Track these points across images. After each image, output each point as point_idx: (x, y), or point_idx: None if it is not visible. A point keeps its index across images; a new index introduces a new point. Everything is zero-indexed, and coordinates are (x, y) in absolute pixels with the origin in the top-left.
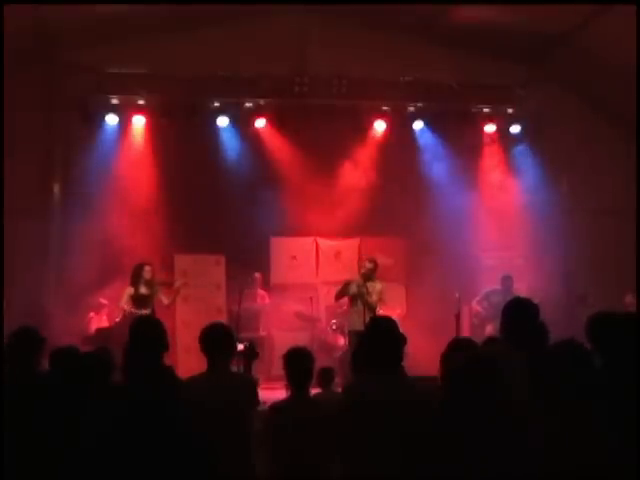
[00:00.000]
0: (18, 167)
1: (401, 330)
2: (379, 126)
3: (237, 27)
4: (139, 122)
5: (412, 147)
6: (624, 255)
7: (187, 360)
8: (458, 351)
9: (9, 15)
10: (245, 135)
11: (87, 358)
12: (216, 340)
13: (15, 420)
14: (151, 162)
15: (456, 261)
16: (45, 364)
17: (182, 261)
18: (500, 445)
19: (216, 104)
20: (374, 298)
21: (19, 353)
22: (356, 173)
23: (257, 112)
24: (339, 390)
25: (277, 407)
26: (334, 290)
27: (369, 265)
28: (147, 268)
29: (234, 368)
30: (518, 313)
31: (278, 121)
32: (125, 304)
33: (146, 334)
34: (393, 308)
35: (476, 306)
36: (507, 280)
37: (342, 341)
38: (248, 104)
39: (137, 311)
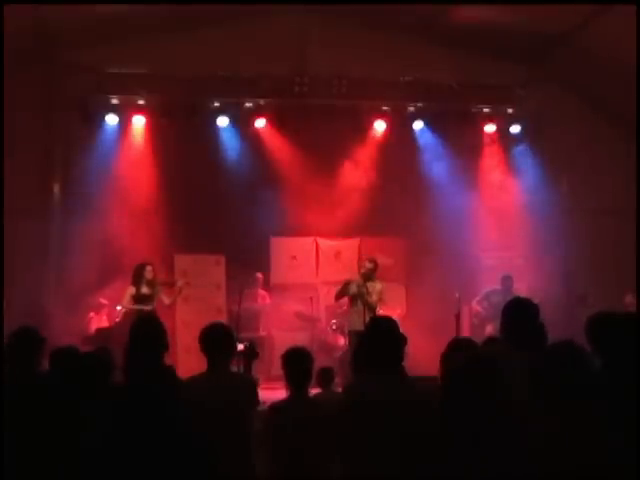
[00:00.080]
0: (18, 167)
1: (401, 330)
2: (379, 126)
3: (237, 27)
4: (139, 122)
5: (412, 147)
6: (624, 255)
7: (187, 360)
8: (458, 351)
9: (9, 15)
10: (245, 135)
11: (87, 358)
12: (216, 340)
13: (15, 420)
14: (151, 162)
15: (456, 261)
16: (45, 364)
17: (182, 261)
18: (500, 445)
19: (216, 104)
20: (374, 298)
21: (19, 353)
22: (356, 173)
23: (257, 112)
24: (339, 390)
25: (276, 407)
26: (334, 290)
27: (369, 265)
28: (149, 268)
29: (234, 368)
30: (518, 313)
31: (278, 121)
32: (127, 303)
33: (146, 334)
34: (393, 308)
35: (476, 306)
36: (507, 280)
37: (342, 341)
38: (248, 104)
39: (139, 307)
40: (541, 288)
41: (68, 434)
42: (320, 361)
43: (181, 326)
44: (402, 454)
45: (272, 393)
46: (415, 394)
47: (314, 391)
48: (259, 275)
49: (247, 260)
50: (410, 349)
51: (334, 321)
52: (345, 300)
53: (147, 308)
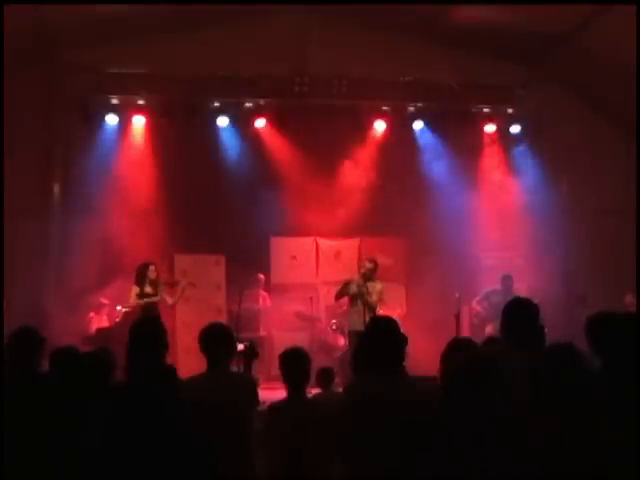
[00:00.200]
0: (18, 167)
1: (401, 330)
2: (379, 126)
3: (237, 27)
4: (139, 122)
5: (412, 147)
6: (624, 255)
7: (187, 360)
8: (458, 351)
9: (9, 15)
10: (245, 135)
11: (87, 358)
12: (216, 340)
13: (15, 420)
14: (151, 162)
15: (456, 261)
16: (45, 364)
17: (182, 261)
18: (500, 445)
19: (216, 104)
20: (374, 298)
21: (19, 353)
22: (356, 173)
23: (257, 112)
24: (339, 390)
25: (275, 407)
26: (334, 290)
27: (369, 265)
28: (152, 268)
29: (234, 368)
30: (518, 313)
31: (278, 121)
32: (133, 301)
33: (146, 334)
34: (393, 308)
35: (476, 306)
36: (507, 280)
37: (342, 341)
38: (248, 104)
39: (147, 300)
40: (541, 288)
41: (68, 434)
42: (320, 361)
43: (181, 326)
44: (402, 454)
45: (272, 393)
46: (415, 394)
47: (314, 391)
48: (261, 276)
49: (247, 260)
50: (410, 349)
51: (334, 321)
52: (345, 300)
53: (155, 299)
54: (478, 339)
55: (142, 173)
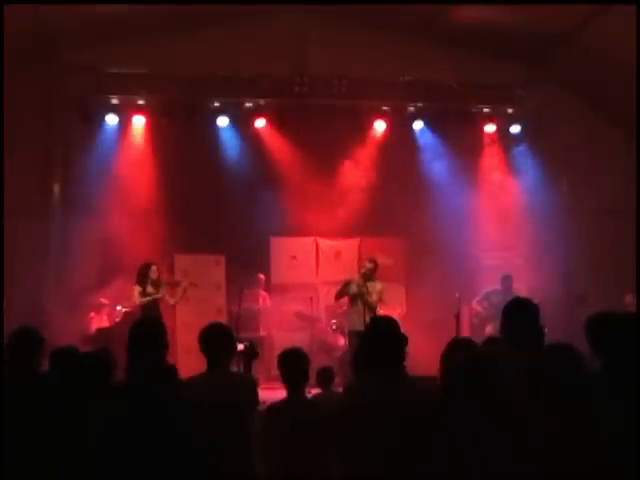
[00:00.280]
0: (18, 167)
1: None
2: (379, 126)
3: (237, 27)
4: (139, 122)
5: (412, 147)
6: (624, 255)
7: (187, 360)
8: (458, 351)
9: (9, 15)
10: (245, 135)
11: (87, 358)
12: (216, 340)
13: (15, 420)
14: (151, 162)
15: (456, 261)
16: (45, 364)
17: (182, 261)
18: (500, 445)
19: (216, 104)
20: (374, 298)
21: (19, 353)
22: (356, 173)
23: (257, 112)
24: (339, 390)
25: (274, 408)
26: (334, 290)
27: (369, 265)
28: (154, 268)
29: (234, 368)
30: (518, 313)
31: (278, 121)
32: (137, 299)
33: (145, 334)
34: (393, 308)
35: (476, 306)
36: (507, 280)
37: (342, 341)
38: (248, 104)
39: (151, 297)
40: (541, 288)
41: (68, 434)
42: (320, 361)
43: (181, 326)
44: (402, 454)
45: (272, 393)
46: (415, 394)
47: (314, 391)
48: (261, 276)
49: (247, 260)
50: (410, 349)
51: (334, 321)
52: (345, 300)
53: (158, 296)
54: (478, 339)
55: (142, 173)
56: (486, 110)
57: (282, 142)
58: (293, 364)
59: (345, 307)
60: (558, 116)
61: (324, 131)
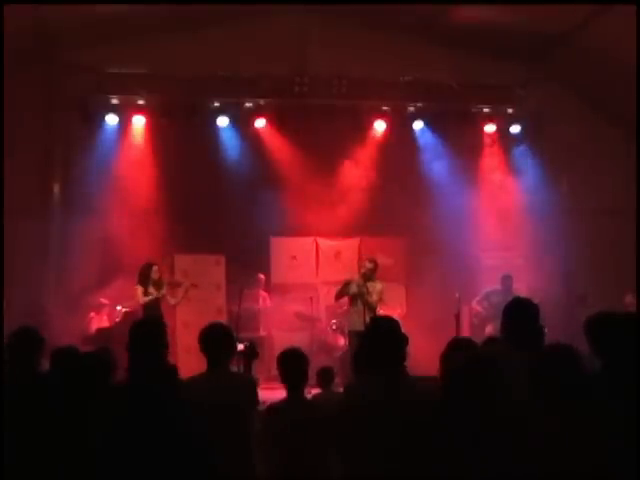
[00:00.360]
0: (18, 167)
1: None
2: (379, 126)
3: (237, 27)
4: (139, 122)
5: (412, 147)
6: (624, 255)
7: (187, 360)
8: (458, 351)
9: (9, 15)
10: (245, 135)
11: (88, 358)
12: (216, 340)
13: (15, 420)
14: (151, 162)
15: (456, 261)
16: (46, 364)
17: (182, 261)
18: (500, 445)
19: (216, 104)
20: (374, 298)
21: (19, 353)
22: (356, 173)
23: (257, 112)
24: (339, 390)
25: (273, 408)
26: (334, 290)
27: (369, 265)
28: (155, 268)
29: (234, 368)
30: (518, 313)
31: (278, 121)
32: (140, 299)
33: (146, 334)
34: (393, 308)
35: (476, 306)
36: (507, 279)
37: (342, 341)
38: (248, 104)
39: (154, 296)
40: (541, 288)
41: (68, 434)
42: (320, 361)
43: (181, 326)
44: (402, 454)
45: (272, 393)
46: (415, 394)
47: (314, 391)
48: (261, 276)
49: (247, 260)
50: (410, 349)
51: (334, 321)
52: (345, 300)
53: (162, 293)
54: (478, 339)
55: (142, 173)
56: (486, 110)
57: (282, 142)
58: (292, 364)
59: (345, 307)
60: (558, 116)
61: (324, 131)
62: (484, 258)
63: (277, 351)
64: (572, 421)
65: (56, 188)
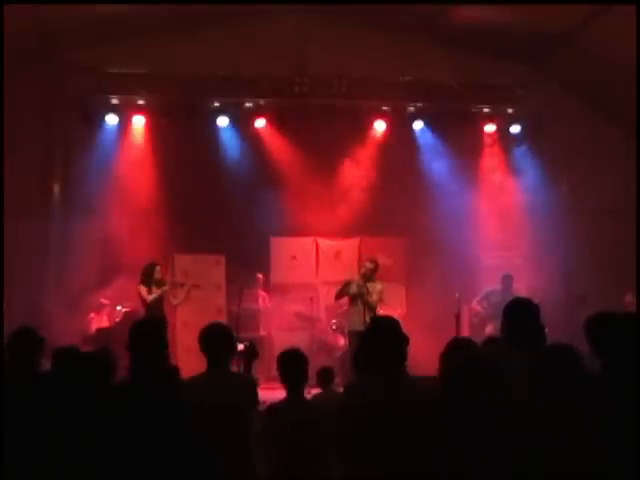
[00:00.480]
0: (18, 167)
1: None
2: (379, 126)
3: (237, 27)
4: (139, 122)
5: (412, 147)
6: (624, 255)
7: (187, 360)
8: (458, 351)
9: (9, 15)
10: (245, 135)
11: (88, 358)
12: (216, 340)
13: (15, 420)
14: (151, 162)
15: (456, 261)
16: (46, 364)
17: (182, 261)
18: (500, 445)
19: (216, 104)
20: (374, 298)
21: (19, 353)
22: (356, 173)
23: (257, 112)
24: (339, 390)
25: (273, 408)
26: (334, 290)
27: (370, 265)
28: (158, 268)
29: (234, 368)
30: (518, 313)
31: (278, 121)
32: (146, 296)
33: (146, 334)
34: (393, 308)
35: (476, 306)
36: (507, 279)
37: (342, 341)
38: (248, 104)
39: (158, 294)
40: (541, 288)
41: (68, 434)
42: (320, 361)
43: (181, 326)
44: (402, 454)
45: (272, 393)
46: (415, 394)
47: (314, 391)
48: (259, 275)
49: (247, 260)
50: (410, 349)
51: (334, 321)
52: (345, 300)
53: (165, 289)
54: (478, 339)
55: (142, 173)
56: (486, 110)
57: (282, 142)
58: (292, 365)
59: (345, 307)
60: (558, 116)
61: (324, 131)
62: (484, 258)
63: (277, 351)
64: (572, 421)
65: (56, 188)
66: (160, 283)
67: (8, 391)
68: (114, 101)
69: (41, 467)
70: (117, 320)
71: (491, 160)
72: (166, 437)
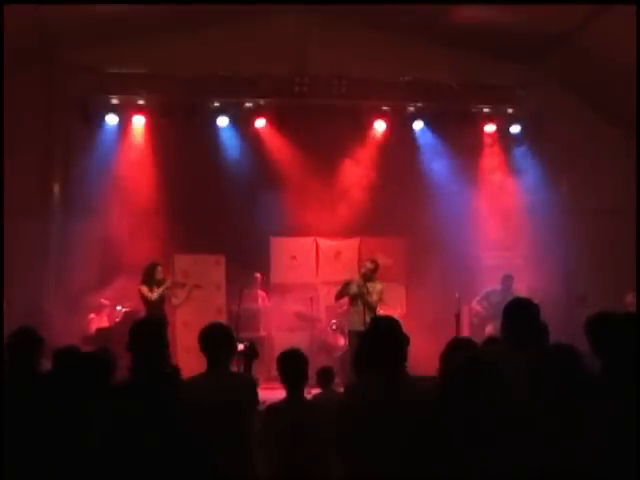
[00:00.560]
0: (18, 167)
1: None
2: (379, 126)
3: (237, 27)
4: (139, 122)
5: (412, 147)
6: (624, 255)
7: (187, 360)
8: (458, 351)
9: (9, 15)
10: (245, 135)
11: (88, 358)
12: (216, 340)
13: (15, 420)
14: (151, 162)
15: (456, 261)
16: (45, 364)
17: (182, 261)
18: (500, 445)
19: (216, 104)
20: (374, 298)
21: (19, 353)
22: (356, 173)
23: (257, 112)
24: (339, 390)
25: (273, 408)
26: (334, 290)
27: (370, 265)
28: (159, 268)
29: (234, 368)
30: (518, 313)
31: (278, 121)
32: (148, 294)
33: (146, 334)
34: (393, 308)
35: (476, 306)
36: (507, 279)
37: (342, 341)
38: (248, 104)
39: (160, 293)
40: (541, 288)
41: (68, 434)
42: (320, 361)
43: (181, 326)
44: (402, 454)
45: (272, 393)
46: (415, 394)
47: (314, 391)
48: (258, 275)
49: (247, 260)
50: (410, 349)
51: (334, 321)
52: (345, 300)
53: (167, 285)
54: (478, 339)
55: (142, 173)
56: (486, 110)
57: (282, 142)
58: (292, 364)
59: (345, 307)
60: (558, 116)
61: (324, 131)
62: (484, 258)
63: (277, 351)
64: (572, 421)
65: (56, 188)
66: (162, 283)
67: (8, 391)
68: (114, 101)
69: (41, 467)
70: (117, 320)
71: (491, 160)
72: (166, 437)
